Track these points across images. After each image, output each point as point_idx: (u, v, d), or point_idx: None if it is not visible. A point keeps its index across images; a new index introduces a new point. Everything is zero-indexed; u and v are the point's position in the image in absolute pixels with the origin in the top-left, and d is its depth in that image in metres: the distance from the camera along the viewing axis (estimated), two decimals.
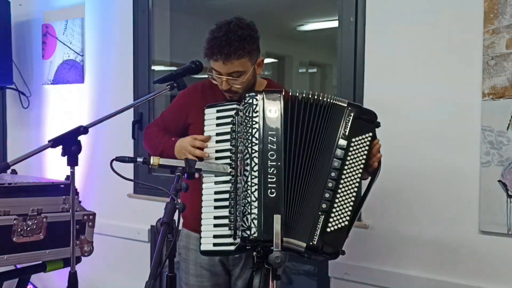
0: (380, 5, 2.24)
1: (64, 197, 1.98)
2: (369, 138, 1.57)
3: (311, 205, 1.52)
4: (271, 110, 1.56)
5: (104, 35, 3.23)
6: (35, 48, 3.59)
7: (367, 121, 1.59)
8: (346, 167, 1.54)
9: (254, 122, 1.55)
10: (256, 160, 1.51)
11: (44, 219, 1.90)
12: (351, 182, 1.54)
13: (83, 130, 1.59)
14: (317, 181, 1.54)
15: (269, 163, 1.51)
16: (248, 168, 1.52)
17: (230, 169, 1.60)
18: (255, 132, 1.54)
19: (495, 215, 1.97)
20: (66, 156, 1.57)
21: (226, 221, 1.57)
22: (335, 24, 2.40)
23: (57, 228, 1.92)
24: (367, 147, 1.57)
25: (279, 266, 1.41)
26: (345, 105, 1.59)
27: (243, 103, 1.60)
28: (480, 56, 1.99)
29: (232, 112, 1.64)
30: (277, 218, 1.45)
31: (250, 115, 1.56)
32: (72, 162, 1.58)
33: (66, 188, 2.00)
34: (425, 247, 2.15)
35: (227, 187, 1.59)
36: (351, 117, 1.58)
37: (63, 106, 3.45)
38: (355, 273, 2.31)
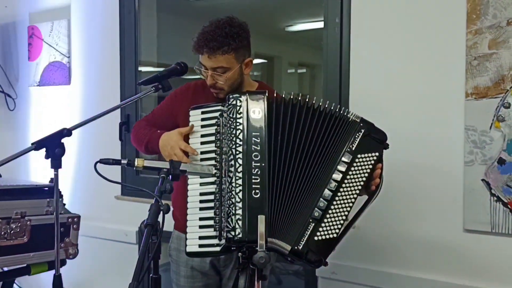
0: (365, 7, 2.25)
1: (48, 199, 1.97)
2: (375, 158, 1.56)
3: (303, 210, 1.52)
4: (255, 111, 1.56)
5: (90, 36, 3.21)
6: (21, 50, 3.56)
7: (376, 140, 1.59)
8: (346, 181, 1.53)
9: (238, 123, 1.55)
10: (240, 161, 1.51)
11: (28, 222, 1.89)
12: (347, 197, 1.53)
13: (66, 132, 1.58)
14: (313, 187, 1.54)
15: (253, 164, 1.51)
16: (232, 169, 1.52)
17: (215, 170, 1.60)
18: (239, 133, 1.54)
19: (479, 213, 1.99)
20: (49, 159, 1.57)
21: (211, 222, 1.57)
22: (322, 24, 2.41)
23: (41, 231, 1.91)
24: (370, 166, 1.56)
25: (263, 266, 1.41)
26: (358, 120, 1.60)
27: (227, 104, 1.60)
28: (463, 56, 2.01)
29: (217, 114, 1.64)
30: (261, 219, 1.45)
31: (234, 116, 1.56)
32: (56, 164, 1.57)
33: (50, 191, 1.99)
34: (411, 246, 2.17)
35: (212, 188, 1.59)
36: (361, 134, 1.57)
37: (50, 108, 3.43)
38: (343, 273, 2.32)
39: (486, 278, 2.00)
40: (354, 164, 1.55)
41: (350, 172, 1.54)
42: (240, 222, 1.47)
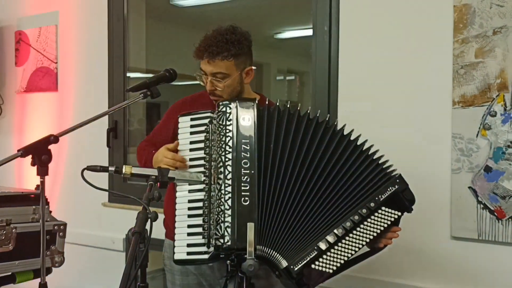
0: (353, 15, 2.27)
1: (34, 207, 1.94)
2: (396, 217, 1.56)
3: (306, 231, 1.50)
4: (245, 118, 1.56)
5: (78, 42, 3.20)
6: (8, 55, 3.53)
7: (403, 201, 1.57)
8: (362, 226, 1.51)
9: (227, 131, 1.54)
10: (229, 168, 1.50)
11: (14, 230, 1.86)
12: (356, 241, 1.51)
13: (53, 139, 1.57)
14: (322, 212, 1.51)
15: (243, 171, 1.50)
16: (221, 176, 1.51)
17: (204, 178, 1.59)
18: (229, 140, 1.53)
19: (465, 221, 2.01)
20: (36, 166, 1.55)
21: (200, 229, 1.56)
22: (311, 32, 2.42)
23: (27, 238, 1.88)
24: (389, 222, 1.55)
25: (252, 274, 1.41)
26: (397, 176, 1.59)
27: (217, 111, 1.59)
28: (450, 65, 2.03)
29: (206, 121, 1.63)
30: (250, 226, 1.44)
31: (224, 123, 1.55)
32: (42, 171, 1.55)
33: (36, 198, 1.96)
34: (399, 254, 2.17)
35: (201, 195, 1.58)
36: (394, 189, 1.56)
37: (37, 114, 3.40)
38: (332, 280, 2.32)
39: (473, 285, 2.01)
40: (376, 214, 1.53)
41: (369, 220, 1.52)
42: (229, 230, 1.45)
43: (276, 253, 1.48)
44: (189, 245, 1.57)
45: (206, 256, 1.54)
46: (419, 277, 2.13)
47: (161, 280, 3.11)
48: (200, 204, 1.58)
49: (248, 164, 1.51)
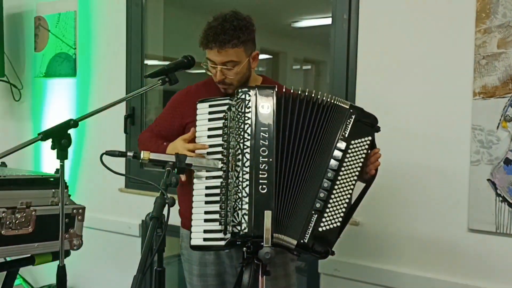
0: (373, 3, 2.24)
1: (53, 190, 1.96)
2: (368, 142, 1.57)
3: (304, 203, 1.53)
4: (264, 106, 1.56)
5: (97, 29, 3.21)
6: (28, 41, 3.56)
7: (367, 125, 1.59)
8: (343, 169, 1.54)
9: (246, 118, 1.54)
10: (247, 156, 1.51)
11: (33, 212, 1.89)
12: (346, 184, 1.53)
13: (73, 123, 1.58)
14: (313, 179, 1.54)
15: (261, 159, 1.51)
16: (239, 163, 1.52)
17: (222, 165, 1.59)
18: (247, 128, 1.53)
19: (483, 213, 1.99)
20: (55, 150, 1.57)
21: (216, 216, 1.57)
22: (329, 21, 2.40)
23: (46, 221, 1.91)
24: (365, 151, 1.57)
25: (269, 262, 1.42)
26: (347, 107, 1.60)
27: (236, 98, 1.59)
28: (472, 55, 2.00)
29: (225, 107, 1.64)
30: (267, 214, 1.45)
31: (243, 110, 1.56)
32: (62, 155, 1.57)
33: (55, 182, 1.99)
34: (415, 245, 2.16)
35: (218, 182, 1.59)
36: (352, 119, 1.58)
37: (55, 99, 3.44)
38: (345, 270, 2.33)
39: (490, 278, 2.00)
40: (349, 151, 1.55)
41: (346, 159, 1.54)
42: (246, 217, 1.47)
43: (287, 237, 1.50)
44: (205, 231, 1.59)
45: (222, 243, 1.55)
46: (435, 268, 2.12)
47: (176, 266, 3.14)
48: (217, 191, 1.59)
49: (266, 152, 1.52)
